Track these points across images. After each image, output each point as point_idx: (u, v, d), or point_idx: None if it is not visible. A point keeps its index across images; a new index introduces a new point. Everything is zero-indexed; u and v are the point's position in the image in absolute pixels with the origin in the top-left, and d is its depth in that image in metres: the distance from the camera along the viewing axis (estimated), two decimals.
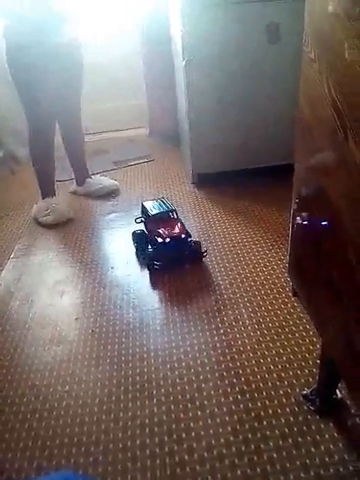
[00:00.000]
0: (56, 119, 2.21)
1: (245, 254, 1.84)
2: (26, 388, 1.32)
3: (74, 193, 2.54)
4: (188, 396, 1.23)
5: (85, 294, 1.71)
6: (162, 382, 1.29)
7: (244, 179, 2.32)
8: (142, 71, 3.16)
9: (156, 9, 2.77)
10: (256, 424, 1.13)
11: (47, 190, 2.29)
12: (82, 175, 2.50)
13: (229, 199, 2.29)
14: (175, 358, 1.36)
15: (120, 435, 1.15)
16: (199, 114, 2.25)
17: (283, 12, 2.02)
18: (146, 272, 1.80)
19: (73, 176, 2.54)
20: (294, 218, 1.07)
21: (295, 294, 1.16)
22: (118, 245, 2.08)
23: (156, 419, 1.18)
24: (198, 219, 2.16)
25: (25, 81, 2.00)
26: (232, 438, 1.11)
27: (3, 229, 2.26)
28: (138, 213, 2.00)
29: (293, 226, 1.10)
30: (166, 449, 1.10)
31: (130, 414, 1.20)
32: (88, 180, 2.51)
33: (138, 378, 1.31)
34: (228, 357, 1.34)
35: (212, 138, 2.30)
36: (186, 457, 1.08)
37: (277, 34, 2.05)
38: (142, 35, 3.00)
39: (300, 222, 1.00)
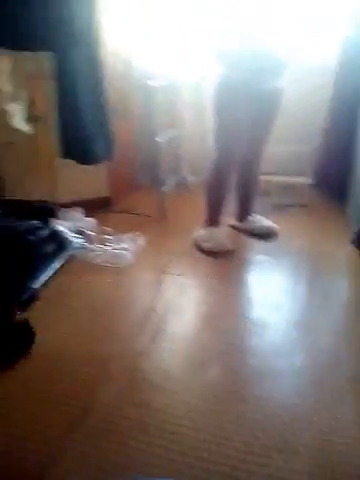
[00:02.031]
0: (242, 155, 2.33)
1: None
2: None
3: (233, 228, 2.65)
4: None
5: (227, 327, 1.79)
6: None
7: None
8: (319, 117, 3.08)
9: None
10: None
11: (214, 220, 2.42)
12: (246, 212, 2.60)
13: None
14: None
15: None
16: None
17: None
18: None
19: (234, 211, 2.63)
20: None
21: None
22: (264, 290, 2.13)
23: None
24: (351, 291, 2.05)
25: (226, 117, 2.20)
26: None
27: (165, 244, 2.49)
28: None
29: None
30: None
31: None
32: (249, 217, 2.60)
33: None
34: None
35: None
36: None
37: None
38: (335, 80, 2.89)
39: None
